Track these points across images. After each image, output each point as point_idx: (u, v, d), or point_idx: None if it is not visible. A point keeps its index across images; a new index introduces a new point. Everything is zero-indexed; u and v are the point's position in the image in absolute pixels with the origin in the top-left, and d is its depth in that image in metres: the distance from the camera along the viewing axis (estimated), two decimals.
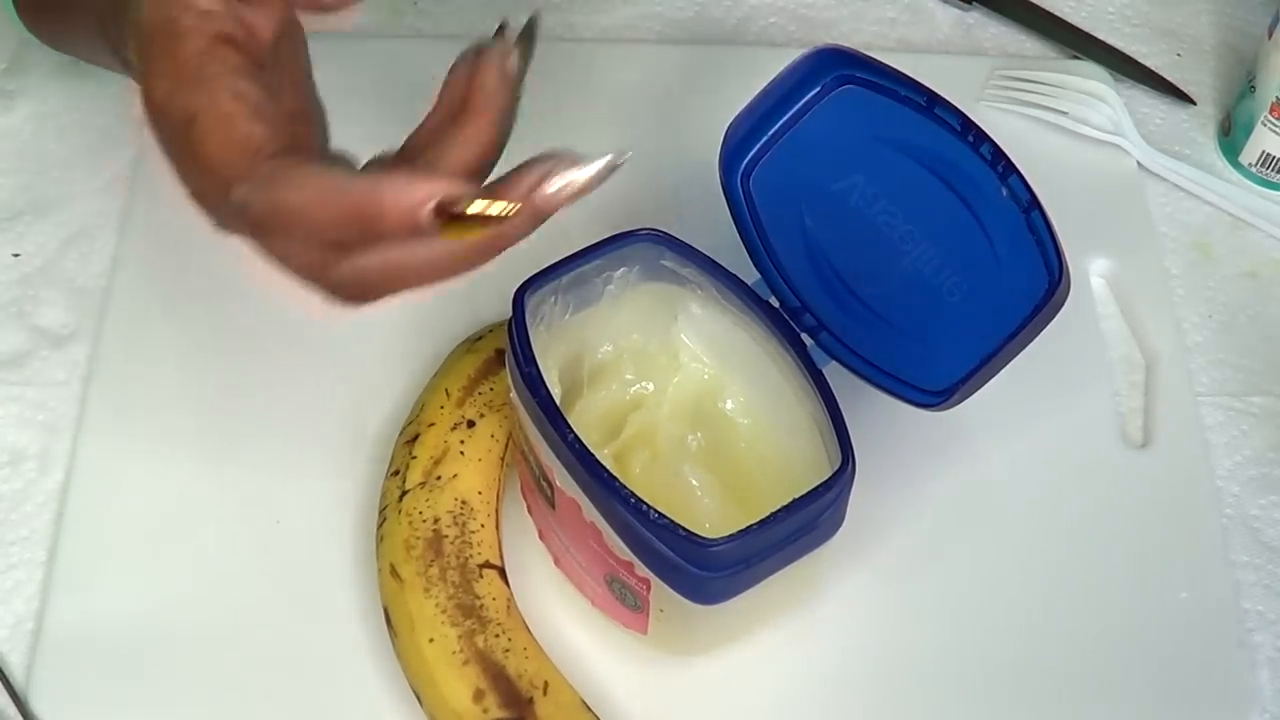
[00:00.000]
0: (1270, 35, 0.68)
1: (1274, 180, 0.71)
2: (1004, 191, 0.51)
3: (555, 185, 0.41)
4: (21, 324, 0.64)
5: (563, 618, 0.56)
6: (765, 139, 0.54)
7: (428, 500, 0.54)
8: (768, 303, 0.54)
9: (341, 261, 0.41)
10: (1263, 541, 0.60)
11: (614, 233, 0.53)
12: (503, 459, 0.57)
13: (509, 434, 0.57)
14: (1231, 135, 0.71)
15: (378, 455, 0.59)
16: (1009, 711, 0.56)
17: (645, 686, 0.55)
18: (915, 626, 0.57)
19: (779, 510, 0.47)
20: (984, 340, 0.51)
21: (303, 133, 0.44)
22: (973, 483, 0.60)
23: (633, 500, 0.47)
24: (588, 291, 0.54)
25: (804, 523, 0.49)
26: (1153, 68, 0.75)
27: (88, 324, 0.63)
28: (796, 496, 0.48)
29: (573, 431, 0.48)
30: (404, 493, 0.55)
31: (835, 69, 0.53)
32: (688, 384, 0.56)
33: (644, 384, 0.55)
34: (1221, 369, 0.65)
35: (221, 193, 0.41)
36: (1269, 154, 0.70)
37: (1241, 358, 0.66)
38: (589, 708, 0.52)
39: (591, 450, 0.48)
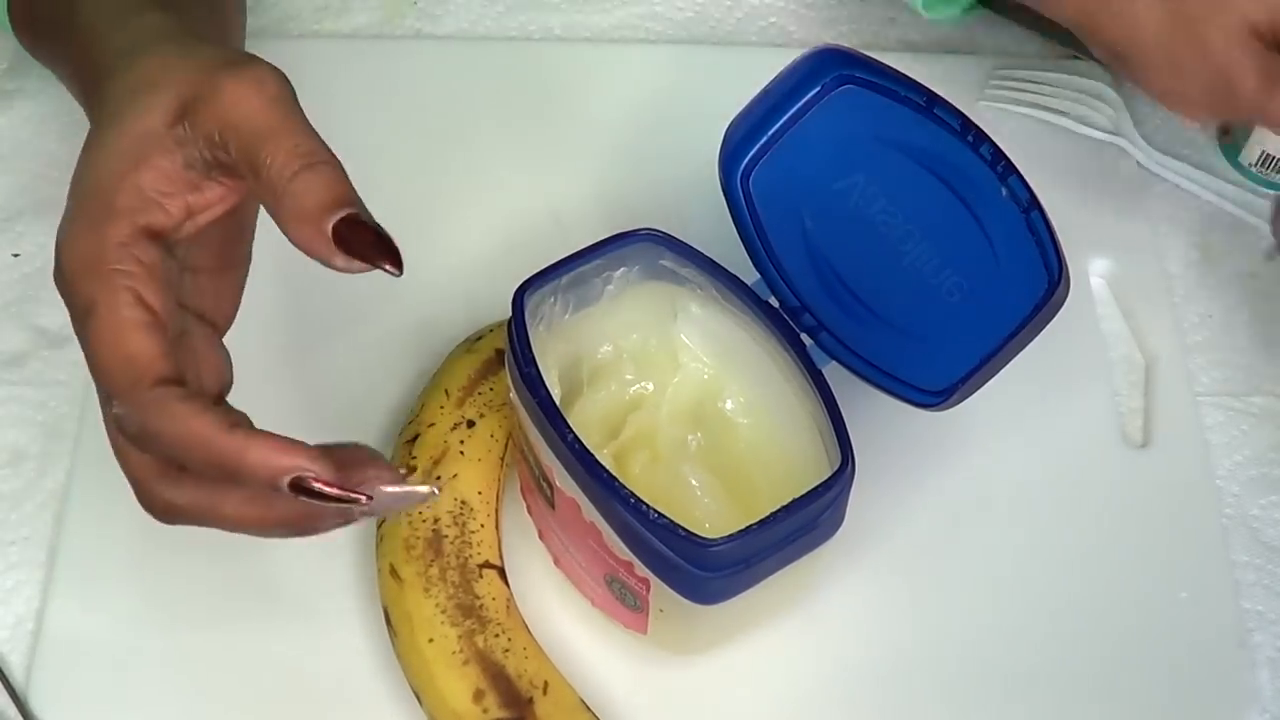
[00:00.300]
0: None
1: (1274, 180, 0.71)
2: (1004, 192, 0.51)
3: (385, 490, 0.43)
4: (21, 324, 0.64)
5: (563, 618, 0.56)
6: (765, 139, 0.54)
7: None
8: (767, 303, 0.54)
9: (169, 485, 0.43)
10: (1263, 541, 0.60)
11: (614, 233, 0.53)
12: (503, 459, 0.57)
13: (509, 434, 0.57)
14: (1231, 135, 0.71)
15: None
16: (1007, 711, 0.56)
17: (645, 686, 0.55)
18: (914, 626, 0.57)
19: (778, 510, 0.47)
20: (983, 340, 0.51)
21: (203, 333, 0.46)
22: (972, 482, 0.60)
23: (632, 500, 0.47)
24: (587, 291, 0.54)
25: (804, 523, 0.49)
26: None
27: None
28: (796, 497, 0.48)
29: (572, 431, 0.48)
30: None
31: (835, 69, 0.53)
32: (687, 384, 0.55)
33: (644, 384, 0.55)
34: (1221, 369, 0.65)
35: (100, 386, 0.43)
36: (1269, 154, 0.70)
37: (1241, 358, 0.65)
38: (589, 708, 0.52)
39: (591, 450, 0.48)
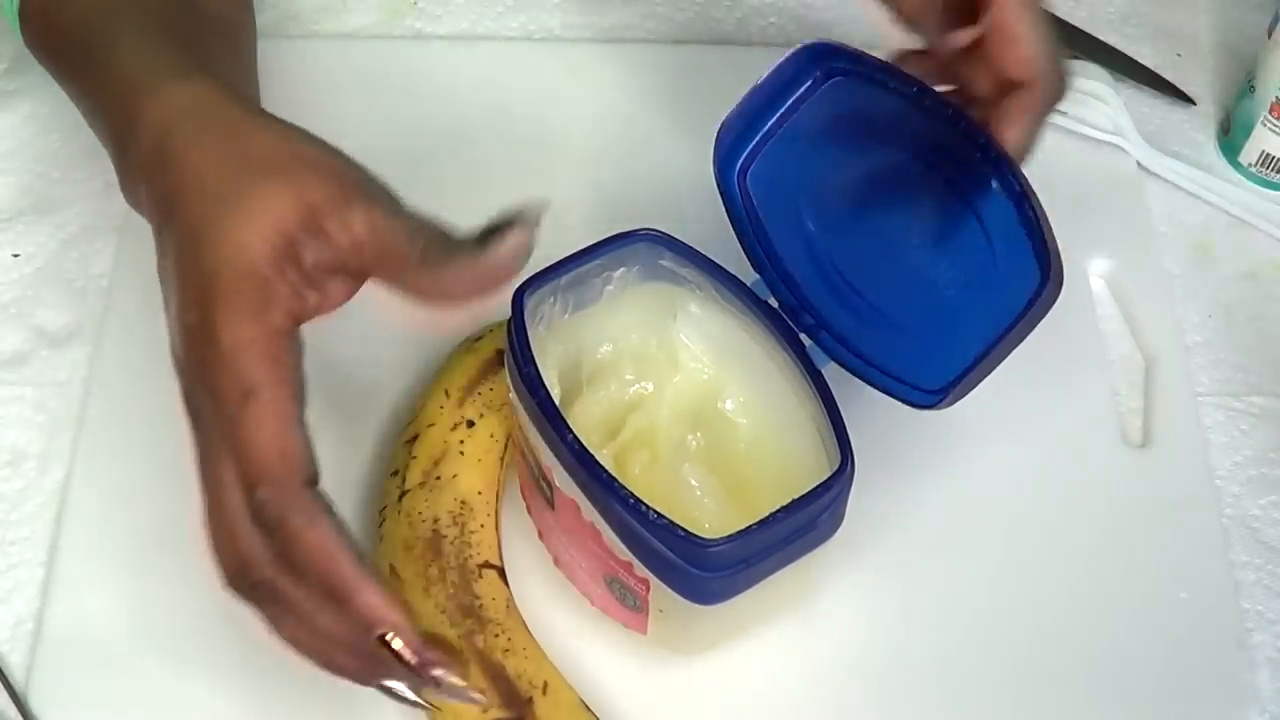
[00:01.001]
0: (1270, 35, 0.68)
1: (1274, 180, 0.71)
2: (996, 183, 0.50)
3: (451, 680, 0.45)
4: (21, 324, 0.64)
5: (562, 618, 0.56)
6: (759, 137, 0.54)
7: (427, 500, 0.54)
8: (766, 303, 0.54)
9: (280, 572, 0.43)
10: (1263, 541, 0.60)
11: (614, 233, 0.53)
12: (502, 459, 0.57)
13: (509, 434, 0.57)
14: (1231, 135, 0.71)
15: (378, 455, 0.59)
16: (1008, 711, 0.56)
17: (645, 686, 0.55)
18: (914, 625, 0.57)
19: (778, 511, 0.47)
20: (979, 338, 0.50)
21: None
22: (972, 482, 0.60)
23: (631, 500, 0.47)
24: (587, 291, 0.54)
25: (803, 523, 0.49)
26: (1153, 68, 0.75)
27: (88, 324, 0.63)
28: (795, 497, 0.47)
29: (571, 431, 0.48)
30: (403, 493, 0.55)
31: (823, 63, 0.53)
32: (687, 385, 0.55)
33: (643, 384, 0.55)
34: (1221, 369, 0.65)
35: (234, 465, 0.43)
36: (1269, 154, 0.70)
37: (1241, 358, 0.66)
38: (588, 708, 0.52)
39: (590, 451, 0.48)
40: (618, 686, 0.55)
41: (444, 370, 0.59)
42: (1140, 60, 0.75)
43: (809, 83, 0.53)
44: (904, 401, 0.52)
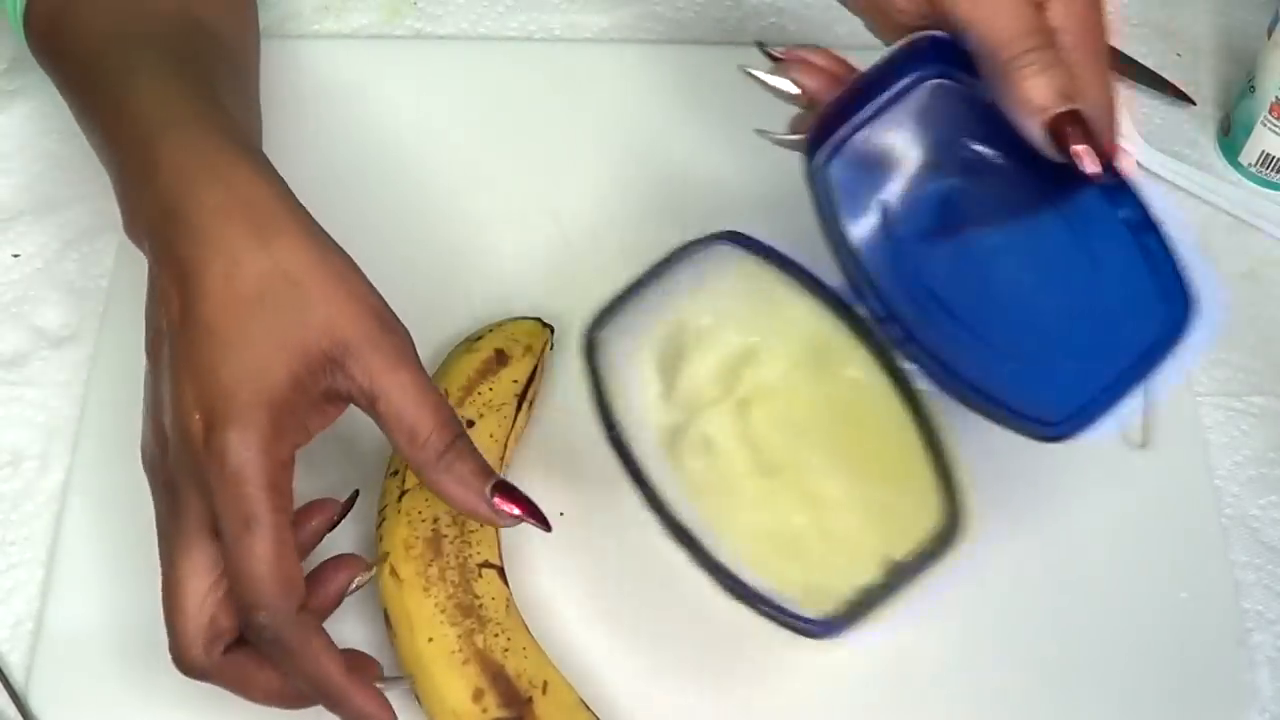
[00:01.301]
0: (1270, 35, 0.68)
1: (1274, 180, 0.71)
2: (1120, 212, 0.47)
3: None
4: (21, 324, 0.64)
5: (563, 618, 0.56)
6: (851, 127, 0.50)
7: (427, 500, 0.54)
8: (857, 313, 0.51)
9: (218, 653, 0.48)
10: (1263, 541, 0.60)
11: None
12: (502, 459, 0.57)
13: (508, 433, 0.57)
14: (1231, 135, 0.71)
15: (378, 455, 0.59)
16: (1008, 710, 0.56)
17: (645, 687, 0.55)
18: (913, 626, 0.57)
19: (875, 587, 0.47)
20: (1100, 369, 0.47)
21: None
22: (970, 482, 0.60)
23: (727, 574, 0.47)
24: (663, 291, 0.52)
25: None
26: (1153, 68, 0.75)
27: (88, 324, 0.63)
28: (897, 563, 0.48)
29: (667, 507, 0.48)
30: (403, 492, 0.55)
31: (933, 61, 0.49)
32: (799, 337, 0.53)
33: (754, 337, 0.53)
34: (1221, 369, 0.65)
35: (228, 574, 0.46)
36: (1269, 154, 0.70)
37: (1241, 358, 0.65)
38: (588, 707, 0.52)
39: (686, 525, 0.48)
40: (618, 686, 0.55)
41: (444, 370, 0.59)
42: (1140, 60, 0.75)
43: (912, 77, 0.49)
44: (1018, 431, 0.49)
